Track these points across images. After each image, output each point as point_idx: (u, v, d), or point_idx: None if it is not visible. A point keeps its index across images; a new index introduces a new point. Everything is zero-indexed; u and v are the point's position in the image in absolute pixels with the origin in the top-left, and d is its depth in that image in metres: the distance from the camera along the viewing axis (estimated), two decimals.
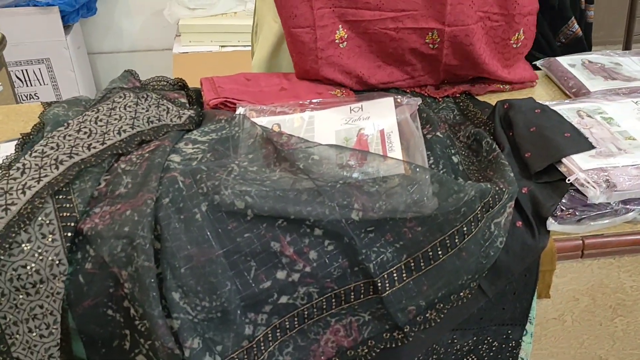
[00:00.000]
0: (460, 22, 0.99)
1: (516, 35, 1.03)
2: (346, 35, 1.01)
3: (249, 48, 1.34)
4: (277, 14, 1.07)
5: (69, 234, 0.68)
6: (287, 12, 0.99)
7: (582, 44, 1.51)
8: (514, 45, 1.04)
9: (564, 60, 1.14)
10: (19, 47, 2.26)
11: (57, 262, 0.67)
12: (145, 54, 2.65)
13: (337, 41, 1.01)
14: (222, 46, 2.35)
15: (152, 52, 2.64)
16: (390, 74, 1.07)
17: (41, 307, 0.67)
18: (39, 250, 0.67)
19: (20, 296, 0.66)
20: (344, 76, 1.05)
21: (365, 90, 1.07)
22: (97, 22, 2.54)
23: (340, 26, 1.00)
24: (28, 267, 0.66)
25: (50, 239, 0.67)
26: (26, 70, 2.32)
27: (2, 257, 0.66)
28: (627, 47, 1.84)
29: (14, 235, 0.66)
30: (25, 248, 0.67)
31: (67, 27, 2.32)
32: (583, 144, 0.83)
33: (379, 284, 0.71)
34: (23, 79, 2.33)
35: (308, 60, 1.02)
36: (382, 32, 1.01)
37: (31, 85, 2.35)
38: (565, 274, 0.82)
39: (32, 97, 2.38)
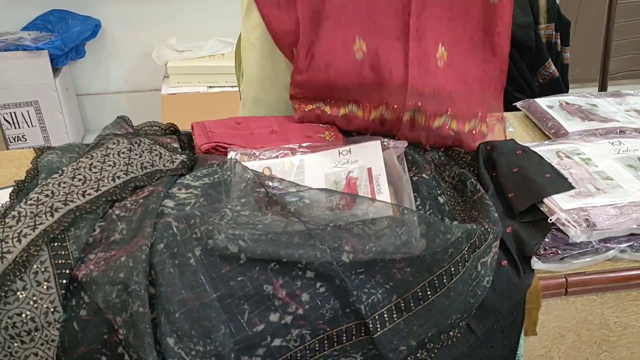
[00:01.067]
0: None
1: None
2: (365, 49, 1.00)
3: (237, 89, 1.38)
4: (260, 55, 1.10)
5: (64, 281, 0.69)
6: None
7: (559, 84, 1.58)
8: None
9: (543, 102, 1.19)
10: (8, 90, 2.28)
11: (52, 309, 0.67)
12: (133, 94, 2.69)
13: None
14: (210, 87, 2.40)
15: (140, 93, 2.68)
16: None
17: (36, 354, 0.67)
18: (34, 298, 0.67)
19: (15, 344, 0.67)
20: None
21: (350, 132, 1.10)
22: (86, 64, 2.57)
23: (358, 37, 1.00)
24: (23, 315, 0.67)
25: (45, 287, 0.68)
26: (14, 112, 2.33)
27: None
28: (602, 85, 1.90)
29: (9, 283, 0.67)
30: (20, 296, 0.67)
31: (56, 69, 2.35)
32: (563, 185, 0.86)
33: (370, 325, 0.73)
34: (11, 122, 2.34)
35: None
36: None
37: (19, 127, 2.36)
38: (550, 311, 0.84)
39: (20, 139, 2.39)
